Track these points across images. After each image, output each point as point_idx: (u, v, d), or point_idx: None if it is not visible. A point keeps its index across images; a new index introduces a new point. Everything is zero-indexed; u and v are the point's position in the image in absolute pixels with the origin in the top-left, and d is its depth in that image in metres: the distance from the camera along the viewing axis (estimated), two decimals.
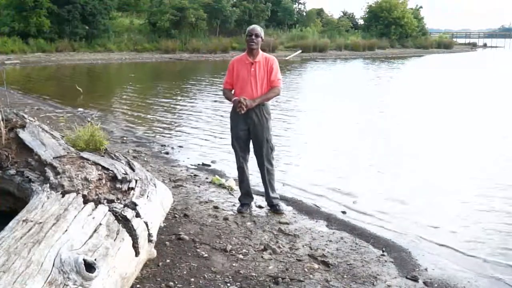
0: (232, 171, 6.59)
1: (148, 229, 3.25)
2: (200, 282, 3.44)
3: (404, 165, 7.37)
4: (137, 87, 18.43)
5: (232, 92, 4.95)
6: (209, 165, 7.01)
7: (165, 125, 10.49)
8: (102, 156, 3.93)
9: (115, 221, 3.01)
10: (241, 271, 3.61)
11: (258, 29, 4.84)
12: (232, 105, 4.94)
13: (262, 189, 5.47)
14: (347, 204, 5.52)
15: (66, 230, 2.66)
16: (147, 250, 3.31)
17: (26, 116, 4.57)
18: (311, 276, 3.63)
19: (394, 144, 8.85)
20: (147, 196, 3.52)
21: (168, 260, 3.72)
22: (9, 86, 15.30)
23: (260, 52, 4.87)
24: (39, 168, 3.68)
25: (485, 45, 68.92)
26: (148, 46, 34.23)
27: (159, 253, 3.70)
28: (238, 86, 4.84)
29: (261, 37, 4.82)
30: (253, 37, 4.76)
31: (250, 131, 4.88)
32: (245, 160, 5.01)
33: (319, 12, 54.03)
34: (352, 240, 4.40)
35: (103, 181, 3.43)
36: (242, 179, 5.06)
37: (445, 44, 55.57)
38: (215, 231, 4.39)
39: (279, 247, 4.10)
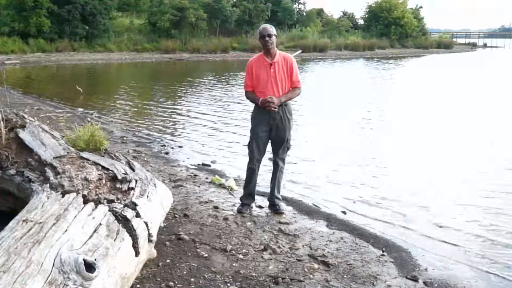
0: (232, 171, 6.60)
1: (148, 229, 3.25)
2: (200, 282, 3.44)
3: (404, 166, 7.37)
4: (137, 87, 18.44)
5: None
6: (209, 165, 7.01)
7: (165, 125, 10.50)
8: (102, 156, 3.94)
9: (115, 221, 3.01)
10: (241, 271, 3.61)
11: (269, 28, 4.78)
12: (254, 107, 4.90)
13: (262, 189, 5.49)
14: (347, 204, 5.52)
15: (66, 230, 2.66)
16: (147, 250, 3.31)
17: (26, 116, 4.57)
18: (311, 276, 3.62)
19: (394, 145, 8.85)
20: (147, 196, 3.52)
21: (168, 260, 3.72)
22: (9, 86, 15.32)
23: (277, 51, 4.83)
24: (39, 168, 3.68)
25: (485, 45, 68.95)
26: (148, 46, 34.25)
27: (159, 253, 3.70)
28: (259, 88, 4.77)
29: (275, 35, 4.77)
30: (267, 38, 4.69)
31: (271, 132, 4.84)
32: (258, 163, 4.97)
33: (319, 12, 54.07)
34: (352, 240, 4.40)
35: (103, 181, 3.43)
36: (250, 180, 5.02)
37: (445, 44, 55.61)
38: (215, 231, 4.39)
39: (279, 247, 4.10)
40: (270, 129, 4.82)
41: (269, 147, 5.00)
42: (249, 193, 5.06)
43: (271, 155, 5.19)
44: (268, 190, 5.19)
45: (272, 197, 5.04)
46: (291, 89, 4.85)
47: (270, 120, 4.77)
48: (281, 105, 4.76)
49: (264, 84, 4.74)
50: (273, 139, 4.89)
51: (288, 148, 4.99)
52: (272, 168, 5.10)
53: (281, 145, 4.89)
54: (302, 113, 12.00)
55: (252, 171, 4.98)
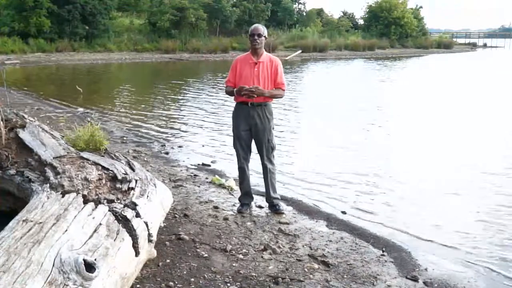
0: (232, 171, 6.59)
1: (148, 229, 3.26)
2: (200, 282, 3.44)
3: (404, 166, 7.37)
4: (137, 87, 18.44)
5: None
6: (209, 165, 7.01)
7: (165, 125, 10.49)
8: (102, 156, 3.94)
9: (115, 221, 3.01)
10: (241, 271, 3.61)
11: (261, 28, 4.82)
12: (234, 106, 4.94)
13: (262, 189, 5.47)
14: (347, 204, 5.52)
15: (66, 230, 2.66)
16: (147, 250, 3.32)
17: (26, 116, 4.57)
18: (311, 276, 3.63)
19: (394, 145, 8.85)
20: (147, 196, 3.52)
21: (168, 260, 3.72)
22: (9, 86, 15.32)
23: (265, 52, 4.86)
24: (39, 168, 3.68)
25: (485, 45, 68.92)
26: (148, 46, 34.25)
27: (159, 253, 3.70)
28: (241, 85, 4.80)
29: (264, 36, 4.80)
30: (256, 37, 4.73)
31: (251, 131, 4.87)
32: (246, 161, 5.00)
33: (319, 12, 54.03)
34: (352, 240, 4.40)
35: (103, 181, 3.43)
36: (243, 179, 5.05)
37: (445, 44, 55.56)
38: (215, 231, 4.39)
39: (279, 247, 4.10)
40: (250, 129, 4.85)
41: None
42: (245, 192, 5.07)
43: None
44: None
45: (269, 198, 5.05)
46: (274, 89, 4.87)
47: (249, 119, 4.80)
48: (261, 104, 4.78)
49: (246, 81, 4.76)
50: (254, 139, 4.92)
51: (273, 149, 4.99)
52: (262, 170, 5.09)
53: (263, 145, 4.89)
54: (303, 113, 12.02)
55: (242, 170, 5.01)
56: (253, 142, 4.99)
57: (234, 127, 4.94)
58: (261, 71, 4.77)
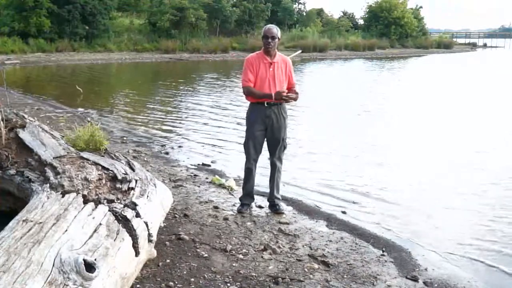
0: (232, 171, 6.60)
1: (148, 229, 3.26)
2: (200, 282, 3.44)
3: (405, 166, 7.37)
4: (137, 87, 18.43)
5: None
6: (209, 165, 7.01)
7: (165, 125, 10.49)
8: (102, 156, 3.94)
9: (115, 221, 3.01)
10: (241, 271, 3.61)
11: (275, 30, 4.78)
12: (249, 106, 4.90)
13: (262, 189, 5.48)
14: (347, 204, 5.52)
15: (66, 230, 2.66)
16: (147, 250, 3.31)
17: (26, 116, 4.57)
18: (311, 276, 3.63)
19: (394, 145, 8.85)
20: (147, 196, 3.52)
21: (168, 260, 3.72)
22: (9, 86, 15.31)
23: (276, 52, 4.85)
24: (39, 168, 3.68)
25: (485, 45, 68.96)
26: (148, 46, 34.22)
27: (159, 253, 3.70)
28: (257, 86, 4.77)
29: (278, 38, 4.78)
30: (270, 39, 4.70)
31: (267, 131, 4.85)
32: (255, 162, 4.98)
33: (319, 12, 54.04)
34: (352, 240, 4.40)
35: (103, 181, 3.43)
36: (248, 180, 5.02)
37: (445, 44, 55.61)
38: (215, 231, 4.39)
39: (279, 247, 4.10)
40: (266, 128, 4.83)
41: (265, 147, 5.00)
42: (247, 193, 5.06)
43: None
44: (268, 190, 5.19)
45: (271, 198, 5.04)
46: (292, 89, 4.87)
47: (266, 119, 4.78)
48: (277, 104, 4.77)
49: (261, 82, 4.75)
50: (269, 138, 4.90)
51: (285, 148, 4.99)
52: (270, 168, 5.08)
53: (277, 144, 4.88)
54: (303, 113, 12.00)
55: (249, 171, 4.99)
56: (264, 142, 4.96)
57: (249, 126, 4.90)
58: (276, 72, 4.77)
